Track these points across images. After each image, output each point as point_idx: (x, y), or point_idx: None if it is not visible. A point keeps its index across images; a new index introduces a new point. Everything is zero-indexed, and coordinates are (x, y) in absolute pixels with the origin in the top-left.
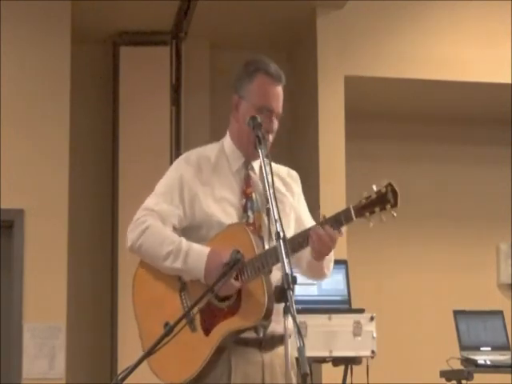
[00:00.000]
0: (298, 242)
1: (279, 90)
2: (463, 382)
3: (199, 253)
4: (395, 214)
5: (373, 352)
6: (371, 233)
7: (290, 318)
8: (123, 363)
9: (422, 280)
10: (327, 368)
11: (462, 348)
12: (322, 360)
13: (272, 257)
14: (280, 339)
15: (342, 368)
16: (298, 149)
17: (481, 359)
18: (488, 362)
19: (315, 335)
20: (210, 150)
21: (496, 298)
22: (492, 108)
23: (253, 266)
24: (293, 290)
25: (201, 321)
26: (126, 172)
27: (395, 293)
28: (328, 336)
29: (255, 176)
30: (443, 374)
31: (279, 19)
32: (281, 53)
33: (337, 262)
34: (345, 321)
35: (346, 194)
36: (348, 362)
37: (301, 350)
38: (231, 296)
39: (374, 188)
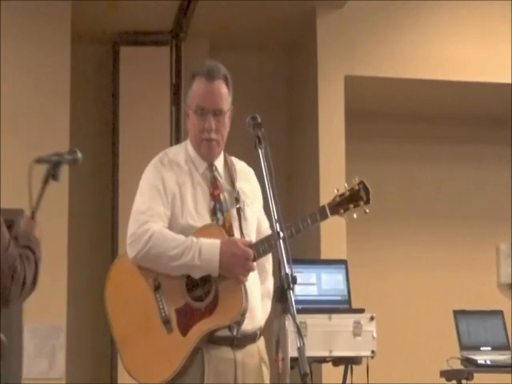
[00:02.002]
0: (262, 250)
1: (213, 86)
2: (463, 381)
3: (212, 245)
4: (367, 211)
5: (373, 352)
6: (371, 233)
7: (289, 318)
8: None
9: (422, 280)
10: (327, 368)
11: (462, 348)
12: (322, 360)
13: (264, 244)
14: (252, 337)
15: (342, 368)
16: (297, 148)
17: (481, 359)
18: (488, 362)
19: (315, 335)
20: (177, 154)
21: (496, 297)
22: (492, 108)
23: (263, 246)
24: (293, 290)
25: (177, 322)
26: (125, 171)
27: (395, 293)
28: (328, 336)
29: (220, 177)
30: (443, 373)
31: (279, 19)
32: (281, 53)
33: (337, 262)
34: (345, 321)
35: None
36: (348, 361)
37: (301, 349)
38: (207, 297)
39: (346, 186)
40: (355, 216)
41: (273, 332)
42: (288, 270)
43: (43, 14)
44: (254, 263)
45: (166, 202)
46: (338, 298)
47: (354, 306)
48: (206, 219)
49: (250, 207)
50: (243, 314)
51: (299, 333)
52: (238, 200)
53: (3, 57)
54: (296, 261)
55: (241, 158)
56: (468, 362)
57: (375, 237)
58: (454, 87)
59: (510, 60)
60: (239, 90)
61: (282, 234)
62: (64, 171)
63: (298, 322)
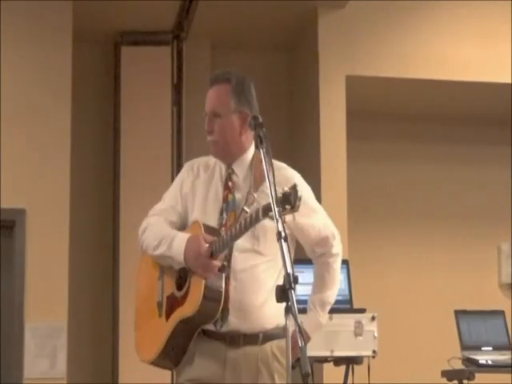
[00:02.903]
0: (217, 247)
1: (212, 90)
2: (464, 381)
3: (182, 238)
4: (296, 217)
5: (374, 352)
6: (373, 232)
7: (291, 318)
8: (124, 363)
9: (423, 280)
10: (328, 368)
11: (464, 348)
12: (324, 360)
13: (219, 242)
14: (251, 339)
15: (343, 368)
16: (299, 148)
17: (482, 359)
18: (489, 362)
19: (316, 335)
20: (211, 157)
21: (497, 297)
22: (492, 108)
23: (220, 241)
24: (294, 290)
25: (166, 308)
26: (127, 171)
27: (396, 293)
28: (329, 336)
29: (237, 178)
30: (444, 373)
31: (280, 19)
32: (282, 52)
33: None
34: (346, 320)
35: (348, 194)
36: (349, 361)
37: (302, 349)
38: (184, 286)
39: (283, 189)
40: (286, 220)
41: None
42: (289, 270)
43: (44, 14)
44: (216, 262)
45: (180, 199)
46: (339, 297)
47: (356, 305)
48: (214, 217)
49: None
50: (207, 309)
51: (300, 332)
52: (247, 202)
53: (4, 57)
54: (297, 260)
55: None
56: (469, 361)
57: (376, 237)
58: (454, 87)
59: (510, 60)
60: None
61: (283, 234)
62: (65, 170)
63: (299, 321)
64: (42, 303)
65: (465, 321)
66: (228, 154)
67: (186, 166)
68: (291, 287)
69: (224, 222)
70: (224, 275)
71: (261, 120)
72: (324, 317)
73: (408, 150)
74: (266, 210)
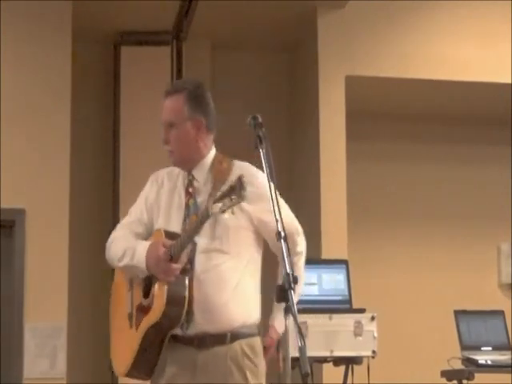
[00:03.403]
0: (175, 251)
1: (166, 101)
2: (464, 381)
3: (144, 246)
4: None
5: (374, 352)
6: (372, 232)
7: (290, 318)
8: None
9: (422, 280)
10: (328, 368)
11: (463, 348)
12: (323, 360)
13: (176, 246)
14: (219, 339)
15: (342, 368)
16: (298, 149)
17: (482, 359)
18: (489, 362)
19: (316, 335)
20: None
21: (497, 297)
22: (492, 108)
23: (177, 243)
24: (294, 290)
25: (135, 317)
26: (126, 171)
27: (396, 293)
28: (329, 336)
29: (197, 183)
30: (444, 373)
31: (280, 19)
32: (282, 53)
33: (338, 262)
34: (346, 320)
35: (347, 194)
36: (349, 361)
37: (302, 349)
38: (149, 294)
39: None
40: (233, 212)
41: None
42: (289, 270)
43: (44, 14)
44: (177, 265)
45: (146, 211)
46: (339, 297)
47: (355, 305)
48: (178, 224)
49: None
50: (188, 313)
51: (300, 333)
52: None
53: (3, 56)
54: None
55: (242, 158)
56: (469, 361)
57: (376, 237)
58: (454, 87)
59: (510, 60)
60: (240, 90)
61: (283, 234)
62: (65, 170)
63: (298, 321)
64: (41, 303)
65: (464, 321)
66: (187, 162)
67: (151, 178)
68: (291, 287)
69: (187, 226)
70: (187, 278)
71: (260, 120)
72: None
73: (408, 150)
74: (216, 203)
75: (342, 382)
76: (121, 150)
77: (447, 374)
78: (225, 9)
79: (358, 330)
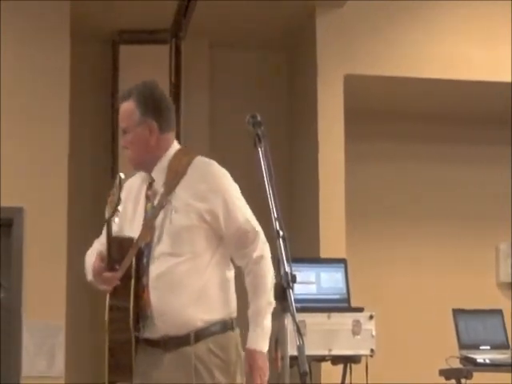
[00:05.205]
0: (108, 261)
1: (120, 108)
2: (462, 380)
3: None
4: (120, 209)
5: (372, 351)
6: (371, 232)
7: (289, 317)
8: None
9: (421, 279)
10: (326, 367)
11: (462, 347)
12: (321, 359)
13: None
14: (183, 340)
15: (341, 367)
16: (297, 148)
17: (480, 358)
18: (487, 361)
19: (314, 334)
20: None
21: (495, 297)
22: (492, 107)
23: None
24: (292, 289)
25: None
26: (125, 171)
27: (394, 292)
28: (327, 335)
29: (157, 185)
30: (442, 372)
31: (279, 18)
32: (280, 52)
33: (336, 261)
34: (344, 319)
35: (346, 194)
36: (347, 360)
37: (300, 348)
38: None
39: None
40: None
41: (272, 331)
42: (287, 269)
43: (42, 14)
44: (115, 273)
45: (117, 220)
46: (338, 296)
47: (353, 304)
48: (134, 230)
49: (183, 211)
50: (146, 319)
51: (298, 331)
52: (161, 208)
53: (3, 56)
54: (295, 260)
55: (241, 157)
56: (467, 360)
57: (374, 236)
58: (454, 86)
59: (510, 59)
60: (239, 89)
61: (281, 233)
62: (64, 169)
63: (297, 320)
64: (40, 302)
65: (463, 320)
66: (146, 165)
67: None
68: (289, 286)
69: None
70: (132, 283)
71: (259, 118)
72: (264, 325)
73: (407, 149)
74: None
75: (340, 380)
76: (119, 148)
77: (445, 373)
78: (223, 7)
79: (356, 329)
